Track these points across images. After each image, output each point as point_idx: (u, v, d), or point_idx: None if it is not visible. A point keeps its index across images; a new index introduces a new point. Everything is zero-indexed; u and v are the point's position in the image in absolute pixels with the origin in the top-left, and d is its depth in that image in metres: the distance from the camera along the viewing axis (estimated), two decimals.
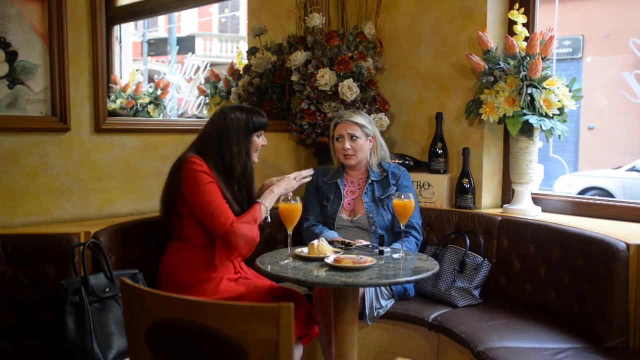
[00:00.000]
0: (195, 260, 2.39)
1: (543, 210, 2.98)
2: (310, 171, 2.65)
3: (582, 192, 7.44)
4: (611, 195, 7.18)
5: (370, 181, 2.84)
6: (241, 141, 2.43)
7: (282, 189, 2.53)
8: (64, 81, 2.55)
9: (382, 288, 2.68)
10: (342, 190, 2.87)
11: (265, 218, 2.48)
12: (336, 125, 2.85)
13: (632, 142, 8.51)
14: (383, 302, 2.69)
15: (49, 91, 2.54)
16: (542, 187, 4.91)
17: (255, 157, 2.50)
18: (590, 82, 8.66)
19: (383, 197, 2.81)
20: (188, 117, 5.38)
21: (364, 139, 2.81)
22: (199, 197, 2.32)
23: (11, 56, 2.46)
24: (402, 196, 2.33)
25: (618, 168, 7.77)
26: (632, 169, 7.61)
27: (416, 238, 2.81)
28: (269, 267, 2.19)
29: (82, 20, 2.61)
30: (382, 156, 2.89)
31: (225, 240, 2.35)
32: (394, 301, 2.74)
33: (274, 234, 3.08)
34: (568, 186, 7.72)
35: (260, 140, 2.51)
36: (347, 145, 2.79)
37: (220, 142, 2.41)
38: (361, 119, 2.82)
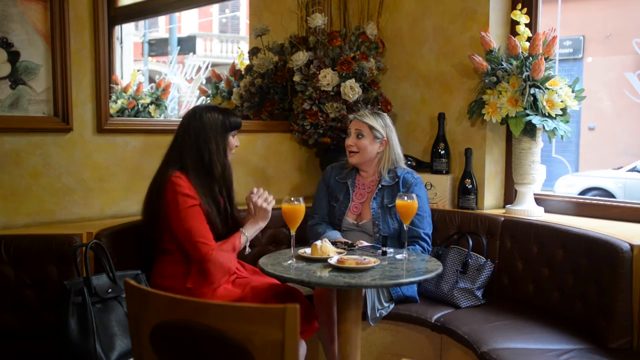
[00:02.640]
0: (188, 270, 2.36)
1: (546, 211, 2.98)
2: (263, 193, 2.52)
3: (583, 192, 7.43)
4: (612, 196, 7.18)
5: (380, 186, 2.81)
6: (219, 140, 2.40)
7: (264, 221, 2.49)
8: (66, 81, 2.54)
9: (383, 292, 2.67)
10: (351, 193, 2.84)
11: (244, 248, 2.45)
12: (350, 122, 2.85)
13: (632, 143, 8.50)
14: (385, 303, 2.68)
15: (51, 91, 2.54)
16: (543, 188, 4.90)
17: (230, 157, 2.47)
18: (591, 83, 8.65)
19: (391, 204, 2.75)
20: None
21: (371, 139, 2.77)
22: (180, 222, 2.30)
23: (13, 56, 2.46)
24: (406, 197, 2.33)
25: (619, 168, 7.76)
26: (633, 170, 7.60)
27: (423, 248, 2.75)
28: (272, 267, 2.18)
29: (85, 21, 2.61)
30: (394, 162, 2.84)
31: (201, 267, 2.32)
32: (394, 304, 2.73)
33: (277, 234, 3.08)
34: (569, 187, 7.72)
35: (234, 140, 2.48)
36: (351, 141, 2.79)
37: (198, 142, 2.37)
38: (372, 120, 2.78)
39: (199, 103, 5.19)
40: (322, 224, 2.86)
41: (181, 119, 2.47)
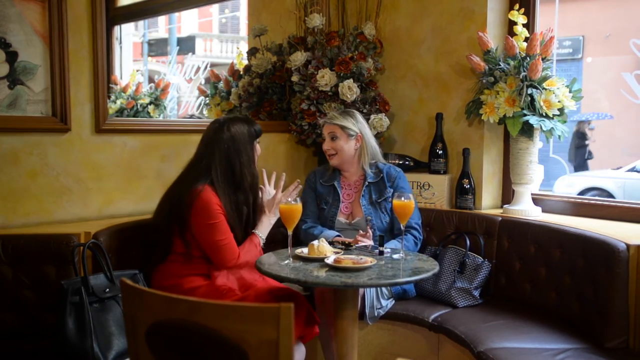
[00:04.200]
0: (193, 270, 2.39)
1: (543, 211, 2.98)
2: (294, 185, 2.60)
3: (583, 192, 7.44)
4: (611, 196, 7.18)
5: (367, 183, 2.84)
6: (248, 150, 2.45)
7: (275, 215, 2.56)
8: (64, 81, 2.55)
9: (383, 288, 2.68)
10: (340, 193, 2.86)
11: (262, 246, 2.53)
12: (322, 127, 2.90)
13: (632, 143, 8.50)
14: (383, 302, 2.69)
15: (49, 91, 2.54)
16: (542, 188, 4.91)
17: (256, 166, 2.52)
18: (590, 83, 8.66)
19: (380, 199, 2.81)
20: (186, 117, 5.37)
21: (345, 139, 2.80)
22: (206, 235, 2.34)
23: (12, 56, 2.46)
24: (402, 197, 2.33)
25: (618, 168, 7.77)
26: (633, 170, 7.61)
27: (415, 237, 2.81)
28: (269, 267, 2.19)
29: (83, 21, 2.61)
30: (373, 155, 2.87)
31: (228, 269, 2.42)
32: (393, 301, 2.74)
33: (275, 234, 3.07)
34: (568, 187, 7.72)
35: (258, 147, 2.54)
36: (327, 145, 2.83)
37: (229, 155, 2.41)
38: (342, 120, 2.81)
39: (198, 103, 5.20)
40: (317, 226, 2.87)
41: (205, 133, 2.49)
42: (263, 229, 2.52)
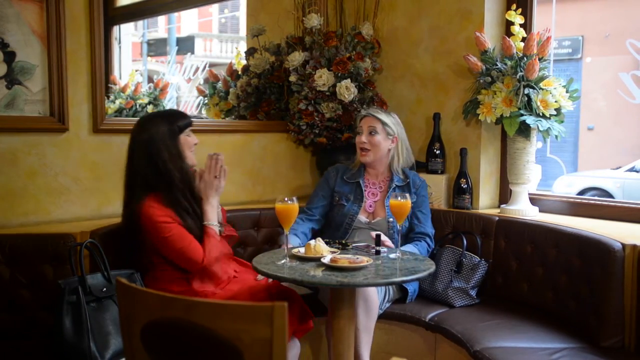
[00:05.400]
0: (176, 274, 2.36)
1: (540, 211, 2.99)
2: (215, 154, 2.44)
3: (582, 192, 7.45)
4: (611, 196, 7.19)
5: (394, 186, 2.81)
6: (170, 146, 2.33)
7: (212, 197, 2.42)
8: (62, 81, 2.55)
9: (390, 290, 2.68)
10: (364, 191, 2.83)
11: (220, 231, 2.44)
12: (361, 119, 2.84)
13: (631, 143, 8.51)
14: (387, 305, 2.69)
15: (47, 91, 2.54)
16: (540, 188, 4.91)
17: (191, 157, 2.41)
18: (590, 83, 8.67)
19: None
20: None
21: (384, 136, 2.78)
22: (166, 248, 2.28)
23: (9, 56, 2.47)
24: (399, 197, 2.34)
25: (618, 168, 7.77)
26: (632, 170, 7.62)
27: (428, 245, 2.81)
28: (266, 267, 2.20)
29: (81, 21, 2.62)
30: (406, 160, 2.86)
31: (202, 273, 2.36)
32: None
33: (272, 234, 3.09)
34: (568, 186, 7.73)
35: (191, 139, 2.41)
36: (364, 138, 2.78)
37: (150, 156, 2.30)
38: (385, 116, 2.80)
39: (197, 103, 5.20)
40: (305, 222, 2.82)
41: (130, 135, 2.39)
42: (210, 216, 2.40)
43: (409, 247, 2.69)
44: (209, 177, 2.41)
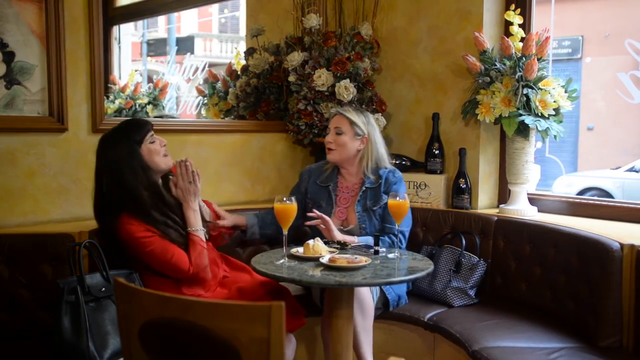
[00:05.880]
0: (171, 279, 2.35)
1: (539, 211, 2.99)
2: (180, 161, 2.39)
3: (582, 192, 7.44)
4: (610, 196, 7.18)
5: (364, 188, 2.74)
6: (133, 164, 2.27)
7: (192, 201, 2.37)
8: (61, 82, 2.56)
9: (375, 298, 2.64)
10: (333, 198, 2.77)
11: (206, 236, 2.41)
12: (332, 118, 2.80)
13: (631, 143, 8.50)
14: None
15: (46, 91, 2.55)
16: (540, 188, 4.91)
17: (165, 162, 2.36)
18: (589, 83, 8.66)
19: (375, 207, 2.72)
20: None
21: (351, 136, 2.71)
22: (152, 260, 2.27)
23: (8, 57, 2.47)
24: (398, 197, 2.34)
25: (617, 168, 7.77)
26: (631, 170, 7.61)
27: (392, 240, 2.66)
28: (265, 266, 2.20)
29: (80, 21, 2.62)
30: (377, 160, 2.77)
31: (190, 280, 2.34)
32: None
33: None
34: (567, 187, 7.73)
35: (155, 144, 2.34)
36: (330, 138, 2.73)
37: (116, 180, 2.24)
38: (355, 116, 2.72)
39: (197, 103, 5.19)
40: (270, 216, 2.71)
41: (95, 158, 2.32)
42: (191, 222, 2.35)
43: (367, 240, 2.57)
44: (183, 183, 2.37)
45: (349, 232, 2.70)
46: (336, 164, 2.81)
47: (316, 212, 2.56)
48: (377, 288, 2.62)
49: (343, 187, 2.81)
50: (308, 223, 2.57)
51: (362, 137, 2.73)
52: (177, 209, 2.37)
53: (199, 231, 2.36)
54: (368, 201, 2.73)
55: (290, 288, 2.57)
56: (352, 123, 2.71)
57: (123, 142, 2.29)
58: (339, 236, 2.55)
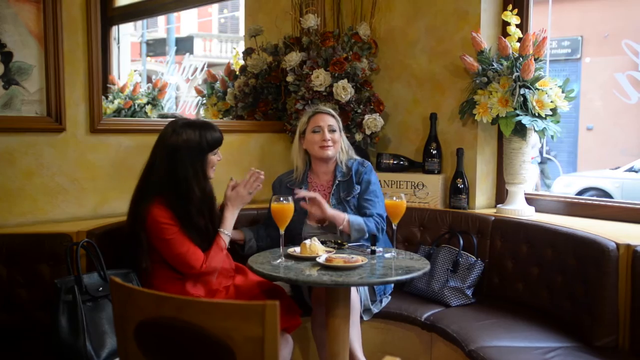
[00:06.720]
0: (177, 274, 2.36)
1: (537, 211, 3.00)
2: (256, 172, 2.51)
3: (581, 192, 7.44)
4: (609, 196, 7.18)
5: (337, 182, 2.77)
6: (196, 163, 2.32)
7: (237, 207, 2.47)
8: (59, 82, 2.56)
9: (368, 294, 2.67)
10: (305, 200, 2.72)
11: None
12: (312, 117, 2.78)
13: (630, 143, 8.50)
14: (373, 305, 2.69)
15: (44, 92, 2.55)
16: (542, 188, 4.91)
17: (211, 173, 2.41)
18: (589, 83, 8.66)
19: (348, 197, 2.74)
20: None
21: (339, 133, 2.80)
22: (166, 250, 2.29)
23: (6, 57, 2.48)
24: (394, 197, 2.35)
25: (616, 168, 7.77)
26: (631, 170, 7.61)
27: (376, 222, 2.68)
28: (262, 266, 2.21)
29: (78, 21, 2.63)
30: (347, 151, 2.85)
31: (198, 279, 2.36)
32: (390, 298, 2.74)
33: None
34: (566, 187, 7.73)
35: (215, 157, 2.41)
36: (328, 135, 2.74)
37: (173, 167, 2.30)
38: (334, 113, 2.85)
39: (196, 103, 5.20)
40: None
41: (160, 134, 2.38)
42: (227, 224, 2.43)
43: (356, 217, 2.62)
44: (244, 190, 2.45)
45: (327, 229, 2.72)
46: (324, 159, 2.80)
47: (306, 192, 2.61)
48: None
49: (318, 186, 2.84)
50: (298, 195, 2.58)
51: (342, 132, 2.84)
52: (215, 223, 2.41)
53: (227, 235, 2.43)
54: (341, 192, 2.77)
55: (286, 288, 2.57)
56: (337, 120, 2.81)
57: (197, 136, 2.33)
58: (331, 211, 2.60)
